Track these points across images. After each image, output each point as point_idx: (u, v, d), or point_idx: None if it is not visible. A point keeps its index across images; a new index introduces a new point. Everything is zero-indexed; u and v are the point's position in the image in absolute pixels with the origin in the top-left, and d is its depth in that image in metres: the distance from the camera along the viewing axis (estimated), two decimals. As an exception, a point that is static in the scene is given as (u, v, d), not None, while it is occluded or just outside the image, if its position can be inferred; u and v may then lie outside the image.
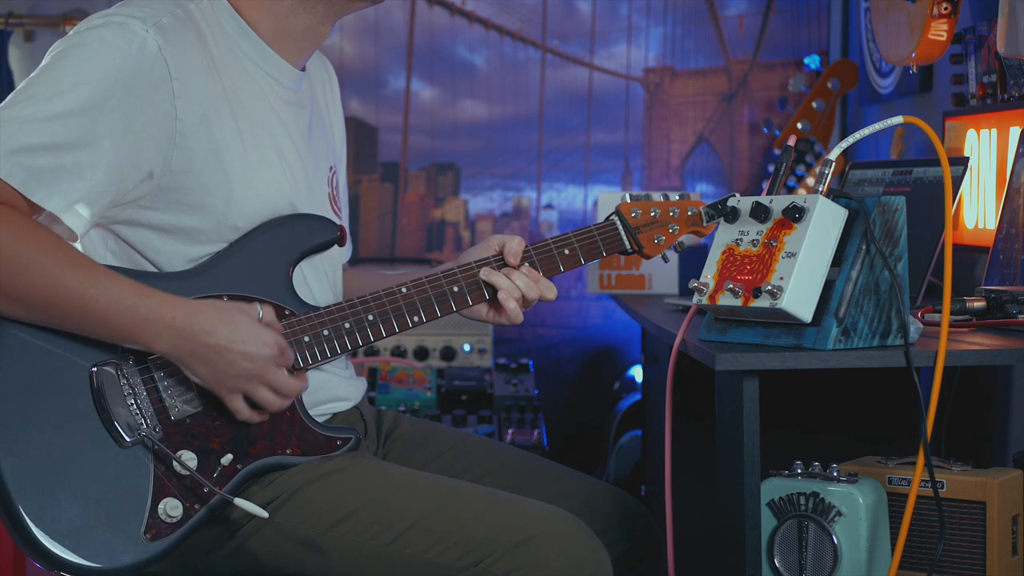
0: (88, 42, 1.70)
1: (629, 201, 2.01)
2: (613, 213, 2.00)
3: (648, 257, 2.01)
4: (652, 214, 2.00)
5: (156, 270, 1.79)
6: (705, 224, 2.02)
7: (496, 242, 1.93)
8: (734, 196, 1.94)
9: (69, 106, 1.67)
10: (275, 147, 1.85)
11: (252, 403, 1.74)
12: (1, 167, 1.64)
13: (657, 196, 2.04)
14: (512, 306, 1.89)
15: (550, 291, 1.92)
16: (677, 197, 2.04)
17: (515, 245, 1.91)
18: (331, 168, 1.99)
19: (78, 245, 1.79)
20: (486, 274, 1.90)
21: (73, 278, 1.65)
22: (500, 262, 1.91)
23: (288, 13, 1.85)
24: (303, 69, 1.92)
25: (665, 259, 2.05)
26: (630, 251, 2.00)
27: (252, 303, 1.75)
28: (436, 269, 1.92)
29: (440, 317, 1.89)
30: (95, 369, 1.70)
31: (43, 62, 1.72)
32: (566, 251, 1.95)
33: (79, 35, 1.71)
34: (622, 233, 1.99)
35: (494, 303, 1.92)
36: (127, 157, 1.70)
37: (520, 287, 1.89)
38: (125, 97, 1.69)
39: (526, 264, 1.92)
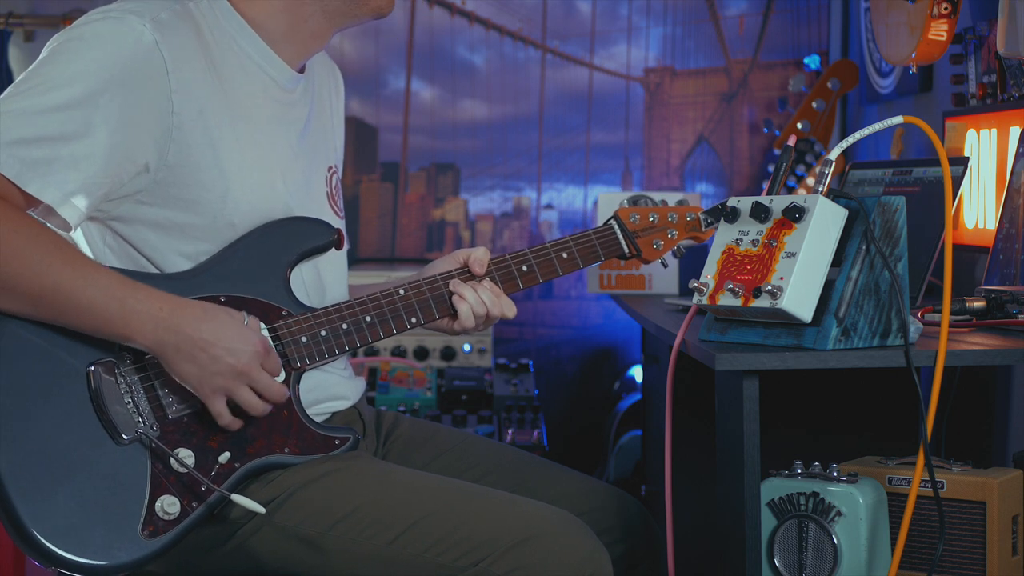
0: (85, 36, 1.70)
1: (627, 206, 2.03)
2: (612, 218, 2.01)
3: (647, 262, 2.04)
4: (651, 219, 2.02)
5: (153, 268, 1.79)
6: (704, 229, 2.04)
7: (462, 255, 1.93)
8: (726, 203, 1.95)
9: (65, 99, 1.67)
10: (271, 144, 1.85)
11: (235, 409, 1.73)
12: None
13: (656, 200, 2.06)
14: (464, 308, 1.89)
15: (510, 309, 1.92)
16: (675, 204, 2.07)
17: (480, 254, 1.91)
18: (330, 168, 1.99)
19: (80, 237, 1.79)
20: (454, 286, 1.90)
21: (63, 270, 1.65)
22: (466, 273, 1.92)
23: (308, 17, 1.86)
24: (301, 71, 1.92)
25: (664, 264, 2.07)
26: (628, 256, 2.02)
27: (240, 310, 1.75)
28: (433, 274, 1.92)
29: (438, 320, 1.90)
30: (92, 368, 1.70)
31: (41, 56, 1.73)
32: (564, 255, 1.96)
33: (76, 29, 1.72)
34: (620, 238, 2.00)
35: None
36: (122, 150, 1.70)
37: (485, 301, 1.89)
38: (121, 90, 1.69)
39: (488, 280, 1.91)
